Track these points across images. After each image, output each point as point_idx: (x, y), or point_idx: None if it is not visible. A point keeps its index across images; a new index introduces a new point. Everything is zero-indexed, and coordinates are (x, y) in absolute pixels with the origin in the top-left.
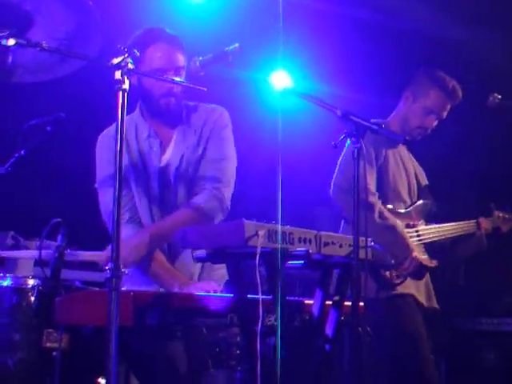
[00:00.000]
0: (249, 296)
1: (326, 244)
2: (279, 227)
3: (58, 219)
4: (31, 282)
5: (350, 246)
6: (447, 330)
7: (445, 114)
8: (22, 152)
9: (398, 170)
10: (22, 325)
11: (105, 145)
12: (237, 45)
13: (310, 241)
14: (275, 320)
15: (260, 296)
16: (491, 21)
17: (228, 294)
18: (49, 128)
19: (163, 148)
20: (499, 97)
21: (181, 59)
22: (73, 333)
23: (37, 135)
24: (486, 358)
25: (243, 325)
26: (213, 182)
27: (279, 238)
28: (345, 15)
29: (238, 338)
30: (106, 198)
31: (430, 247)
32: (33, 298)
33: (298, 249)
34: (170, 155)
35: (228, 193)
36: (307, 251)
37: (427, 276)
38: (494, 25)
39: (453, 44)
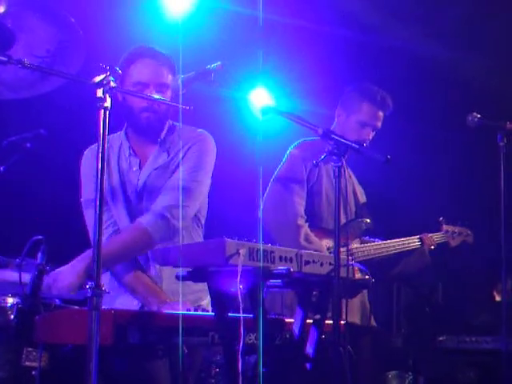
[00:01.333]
0: (230, 314)
1: (307, 262)
2: (260, 245)
3: (39, 236)
4: (10, 301)
5: (330, 264)
6: (427, 347)
7: (379, 124)
8: (1, 168)
9: (332, 188)
10: (1, 343)
11: (88, 160)
12: (219, 63)
13: (290, 259)
14: (256, 338)
15: (241, 314)
16: (475, 41)
17: (209, 313)
18: (28, 144)
19: (141, 167)
20: (478, 116)
21: (166, 76)
22: (53, 351)
23: (16, 152)
24: (465, 376)
25: (224, 343)
26: (164, 203)
27: (260, 256)
28: (326, 33)
29: (218, 357)
30: (89, 218)
31: (369, 265)
32: (12, 316)
33: (279, 267)
34: (143, 175)
35: (176, 221)
36: (288, 270)
37: (364, 295)
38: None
39: (434, 62)
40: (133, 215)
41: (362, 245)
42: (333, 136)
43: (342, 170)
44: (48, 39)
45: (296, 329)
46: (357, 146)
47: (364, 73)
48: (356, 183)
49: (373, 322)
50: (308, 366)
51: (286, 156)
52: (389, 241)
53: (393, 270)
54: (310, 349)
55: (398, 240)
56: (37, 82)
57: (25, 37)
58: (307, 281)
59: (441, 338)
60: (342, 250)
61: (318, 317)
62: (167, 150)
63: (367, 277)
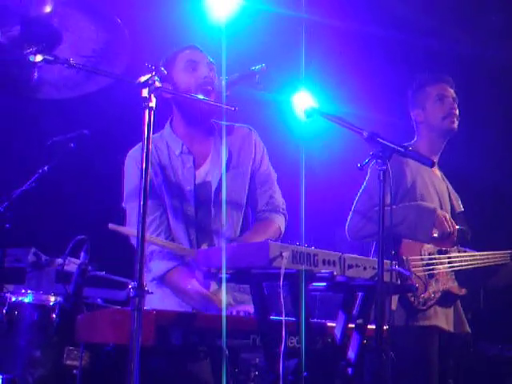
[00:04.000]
0: (272, 317)
1: (350, 266)
2: (304, 248)
3: (83, 236)
4: (53, 299)
5: (374, 268)
6: (472, 355)
7: (453, 93)
8: (46, 168)
9: (428, 194)
10: (43, 342)
11: (132, 162)
12: (263, 65)
13: (334, 263)
14: (298, 342)
15: (283, 318)
16: None
17: (251, 315)
18: (72, 144)
19: (197, 164)
20: None
21: (210, 59)
22: (94, 351)
23: (60, 151)
24: None
25: (266, 346)
26: (275, 204)
27: (303, 259)
28: (369, 35)
29: (257, 360)
30: (132, 212)
31: (461, 275)
32: (54, 316)
33: (323, 271)
34: (205, 173)
35: (283, 203)
36: (332, 273)
37: (457, 302)
38: None
39: (479, 59)
40: (188, 217)
41: (461, 253)
42: (378, 139)
43: (421, 175)
44: (94, 39)
45: (338, 333)
46: (402, 150)
47: (408, 75)
48: (451, 190)
49: (467, 329)
50: (349, 371)
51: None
52: (480, 252)
53: (481, 281)
54: (351, 354)
55: (489, 253)
56: (82, 81)
57: (71, 36)
58: (350, 285)
59: (483, 345)
60: (440, 256)
61: (360, 321)
62: (228, 147)
63: (463, 289)
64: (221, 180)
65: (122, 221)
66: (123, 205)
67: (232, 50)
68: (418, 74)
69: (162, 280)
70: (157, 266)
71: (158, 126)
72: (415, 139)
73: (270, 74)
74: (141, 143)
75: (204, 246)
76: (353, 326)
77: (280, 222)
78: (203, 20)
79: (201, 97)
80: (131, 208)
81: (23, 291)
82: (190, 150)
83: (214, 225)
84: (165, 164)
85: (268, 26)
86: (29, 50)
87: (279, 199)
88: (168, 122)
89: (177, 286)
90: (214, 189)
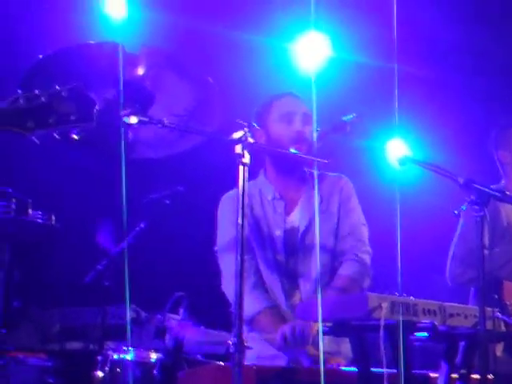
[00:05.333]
0: (373, 370)
1: (451, 315)
2: (402, 298)
3: (181, 293)
4: (154, 356)
5: (475, 316)
6: None
7: None
8: (143, 225)
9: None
10: None
11: (227, 207)
12: (354, 114)
13: (434, 312)
14: None
15: (384, 370)
16: None
17: (352, 368)
18: (167, 201)
19: (288, 210)
20: None
21: (308, 109)
22: None
23: (156, 208)
24: None
25: None
26: (353, 251)
27: (403, 309)
28: (461, 82)
29: None
30: (226, 264)
31: None
32: (155, 372)
33: (423, 321)
34: (295, 218)
35: (369, 259)
36: (433, 323)
37: None
38: None
39: None
40: (278, 263)
41: None
42: (474, 185)
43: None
44: (186, 98)
45: None
46: (499, 195)
47: (493, 116)
48: None
49: None
50: None
51: None
52: None
53: None
54: None
55: None
56: (175, 140)
57: (163, 96)
58: (452, 334)
59: None
60: None
61: (463, 371)
62: (320, 195)
63: None
64: (308, 225)
65: (217, 276)
66: (215, 248)
67: (322, 99)
68: (503, 115)
69: (250, 323)
70: (246, 309)
71: (251, 173)
72: (503, 181)
73: (362, 122)
74: (235, 188)
75: (296, 296)
76: (456, 376)
77: (364, 272)
78: (292, 70)
79: (293, 150)
80: (226, 260)
81: (125, 348)
82: (282, 195)
83: (302, 270)
84: (257, 210)
85: (357, 75)
86: (124, 112)
87: (363, 248)
88: (262, 169)
89: (266, 330)
90: (300, 233)
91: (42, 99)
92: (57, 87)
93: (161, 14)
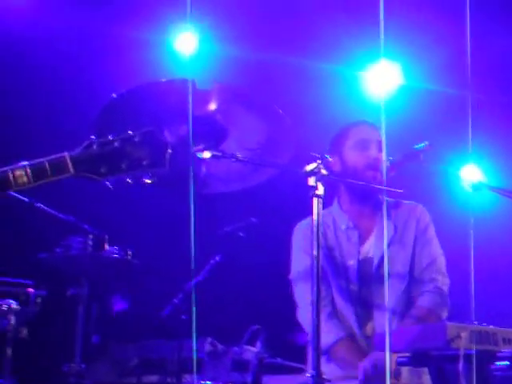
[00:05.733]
0: None
1: None
2: (482, 327)
3: (258, 326)
4: None
5: None
6: None
7: None
8: (217, 258)
9: None
10: None
11: (300, 235)
12: (426, 142)
13: None
14: None
15: None
16: None
17: None
18: (241, 233)
19: (362, 240)
20: None
21: (381, 137)
22: None
23: (231, 241)
24: None
25: None
26: (433, 282)
27: (483, 338)
28: None
29: None
30: (301, 293)
31: None
32: None
33: (503, 350)
34: (369, 248)
35: (447, 289)
36: None
37: None
38: None
39: None
40: (352, 293)
41: None
42: None
43: None
44: (258, 131)
45: None
46: None
47: None
48: None
49: None
50: None
51: None
52: None
53: None
54: None
55: None
56: (249, 173)
57: (235, 131)
58: None
59: None
60: None
61: None
62: (394, 224)
63: None
64: (383, 255)
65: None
66: (290, 278)
67: (393, 127)
68: None
69: (327, 353)
70: (323, 339)
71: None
72: None
73: (435, 150)
74: (309, 217)
75: (369, 326)
76: None
77: (444, 304)
78: (363, 99)
79: (367, 179)
80: (300, 290)
81: (202, 382)
82: (356, 225)
83: (376, 300)
84: (330, 239)
85: (429, 102)
86: (197, 148)
87: (443, 279)
88: (336, 198)
89: (344, 360)
90: (375, 264)
91: (115, 144)
92: (130, 132)
93: (231, 48)
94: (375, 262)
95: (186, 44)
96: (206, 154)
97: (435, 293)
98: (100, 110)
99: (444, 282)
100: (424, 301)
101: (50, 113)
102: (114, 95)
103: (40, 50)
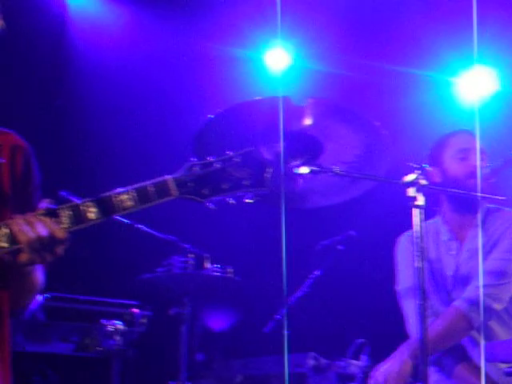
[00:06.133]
0: None
1: None
2: None
3: (363, 340)
4: None
5: None
6: None
7: None
8: (318, 272)
9: None
10: None
11: (404, 247)
12: None
13: None
14: None
15: None
16: None
17: None
18: (340, 247)
19: (460, 250)
20: None
21: (482, 145)
22: None
23: (330, 254)
24: None
25: None
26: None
27: None
28: None
29: None
30: (409, 306)
31: None
32: None
33: None
34: (467, 258)
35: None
36: None
37: None
38: None
39: None
40: (451, 300)
41: None
42: None
43: None
44: (354, 144)
45: None
46: None
47: None
48: None
49: None
50: None
51: None
52: None
53: None
54: None
55: None
56: (347, 186)
57: (332, 145)
58: None
59: None
60: None
61: None
62: (485, 231)
63: None
64: (459, 264)
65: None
66: (397, 289)
67: (489, 134)
68: None
69: (435, 364)
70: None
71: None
72: None
73: None
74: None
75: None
76: None
77: None
78: (457, 105)
79: (469, 188)
80: (408, 302)
81: None
82: (457, 236)
83: None
84: (431, 250)
85: None
86: (294, 163)
87: None
88: (439, 208)
89: (452, 371)
90: (472, 274)
91: (217, 165)
92: (229, 153)
93: (322, 62)
94: (472, 272)
95: (277, 60)
96: (304, 169)
97: (475, 298)
98: (197, 131)
99: (492, 292)
100: (459, 302)
101: (143, 136)
102: (211, 116)
103: (132, 76)
